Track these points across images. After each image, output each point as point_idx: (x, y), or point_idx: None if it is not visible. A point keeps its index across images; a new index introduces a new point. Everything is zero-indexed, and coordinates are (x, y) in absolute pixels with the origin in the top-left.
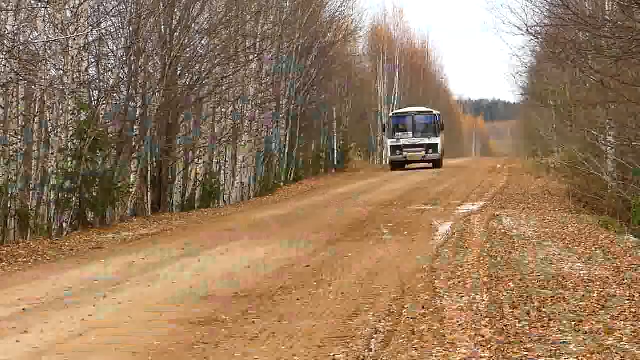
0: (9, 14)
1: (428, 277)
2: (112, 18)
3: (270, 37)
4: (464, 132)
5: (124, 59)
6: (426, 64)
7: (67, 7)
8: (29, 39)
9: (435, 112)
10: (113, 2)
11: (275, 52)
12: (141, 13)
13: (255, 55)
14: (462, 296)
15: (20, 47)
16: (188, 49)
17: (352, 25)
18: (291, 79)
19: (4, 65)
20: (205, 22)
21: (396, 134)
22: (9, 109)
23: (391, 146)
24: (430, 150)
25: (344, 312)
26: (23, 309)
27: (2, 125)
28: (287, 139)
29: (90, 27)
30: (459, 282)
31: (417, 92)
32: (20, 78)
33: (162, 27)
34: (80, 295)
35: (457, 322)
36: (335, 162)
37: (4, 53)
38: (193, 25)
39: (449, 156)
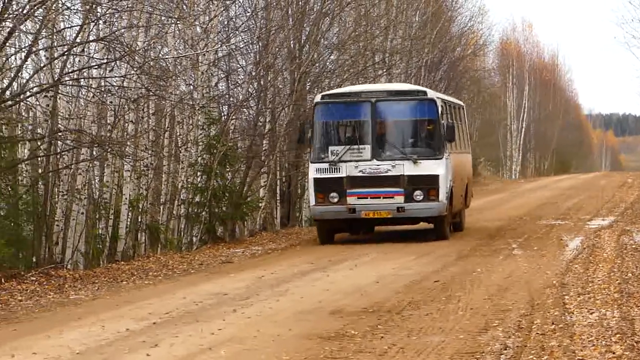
0: (139, 31)
1: (558, 293)
2: (242, 34)
3: (399, 51)
4: (593, 147)
5: (253, 74)
6: (555, 78)
7: (197, 23)
8: (160, 55)
9: (433, 95)
10: (242, 18)
11: (405, 66)
12: (270, 28)
13: (384, 70)
14: (593, 312)
15: (151, 63)
16: (317, 64)
17: (482, 40)
18: None
19: (135, 81)
20: (335, 37)
21: (330, 148)
22: (140, 124)
23: (316, 180)
24: (419, 195)
25: (473, 327)
26: (153, 323)
27: (133, 140)
28: None
29: (220, 43)
30: (589, 298)
31: (547, 106)
32: (151, 93)
33: (291, 42)
34: (209, 309)
35: (588, 338)
36: None
37: (135, 69)
38: (322, 41)
39: (577, 168)
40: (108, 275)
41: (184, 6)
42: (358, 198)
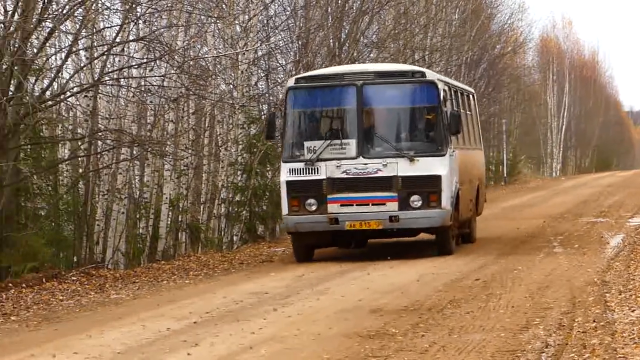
0: (179, 30)
1: (599, 291)
2: (281, 32)
3: (439, 49)
4: (634, 144)
5: (293, 72)
6: (596, 75)
7: (236, 22)
8: (199, 54)
9: (434, 76)
10: (282, 17)
11: (444, 64)
12: (310, 27)
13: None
14: (634, 310)
15: (191, 62)
16: (357, 63)
17: (521, 37)
18: None
19: (174, 81)
20: (374, 36)
21: (306, 144)
22: (180, 124)
23: (289, 184)
24: (417, 200)
25: (514, 325)
26: (194, 322)
27: (173, 139)
28: None
29: (260, 42)
30: (631, 296)
31: (587, 103)
32: (191, 93)
33: (331, 41)
34: (250, 308)
35: (629, 336)
36: (505, 175)
37: (175, 68)
38: (362, 39)
39: (618, 166)
40: (149, 274)
41: (224, 5)
42: (341, 205)
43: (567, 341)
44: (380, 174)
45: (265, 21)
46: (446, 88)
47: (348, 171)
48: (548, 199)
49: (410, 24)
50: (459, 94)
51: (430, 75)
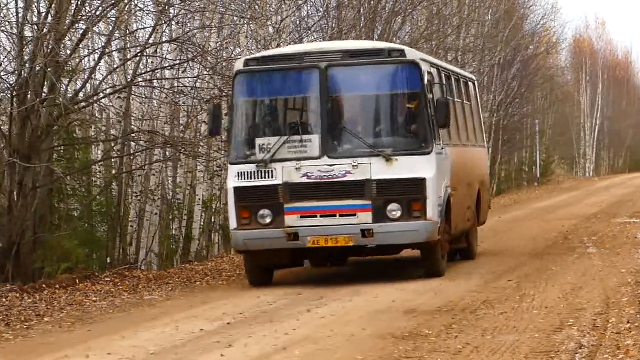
0: (212, 31)
1: (633, 291)
2: (314, 33)
3: (472, 50)
4: None
5: None
6: (629, 75)
7: (269, 23)
8: (232, 55)
9: (415, 56)
10: (315, 18)
11: (477, 65)
12: (342, 28)
13: None
14: None
15: (224, 64)
16: None
17: (555, 38)
18: (493, 92)
19: (207, 82)
20: (407, 36)
21: (258, 142)
22: None
23: (238, 191)
24: (396, 210)
25: (548, 326)
26: (227, 323)
27: (206, 140)
28: (490, 152)
29: (293, 43)
30: None
31: (621, 103)
32: (224, 94)
33: None
34: (283, 309)
35: None
36: (538, 175)
37: (208, 69)
38: (394, 40)
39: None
40: (182, 275)
41: (257, 6)
42: (301, 217)
43: (601, 342)
44: (349, 178)
45: (298, 22)
46: (433, 71)
47: (310, 174)
48: (582, 200)
49: (443, 24)
50: (452, 79)
51: (412, 54)
